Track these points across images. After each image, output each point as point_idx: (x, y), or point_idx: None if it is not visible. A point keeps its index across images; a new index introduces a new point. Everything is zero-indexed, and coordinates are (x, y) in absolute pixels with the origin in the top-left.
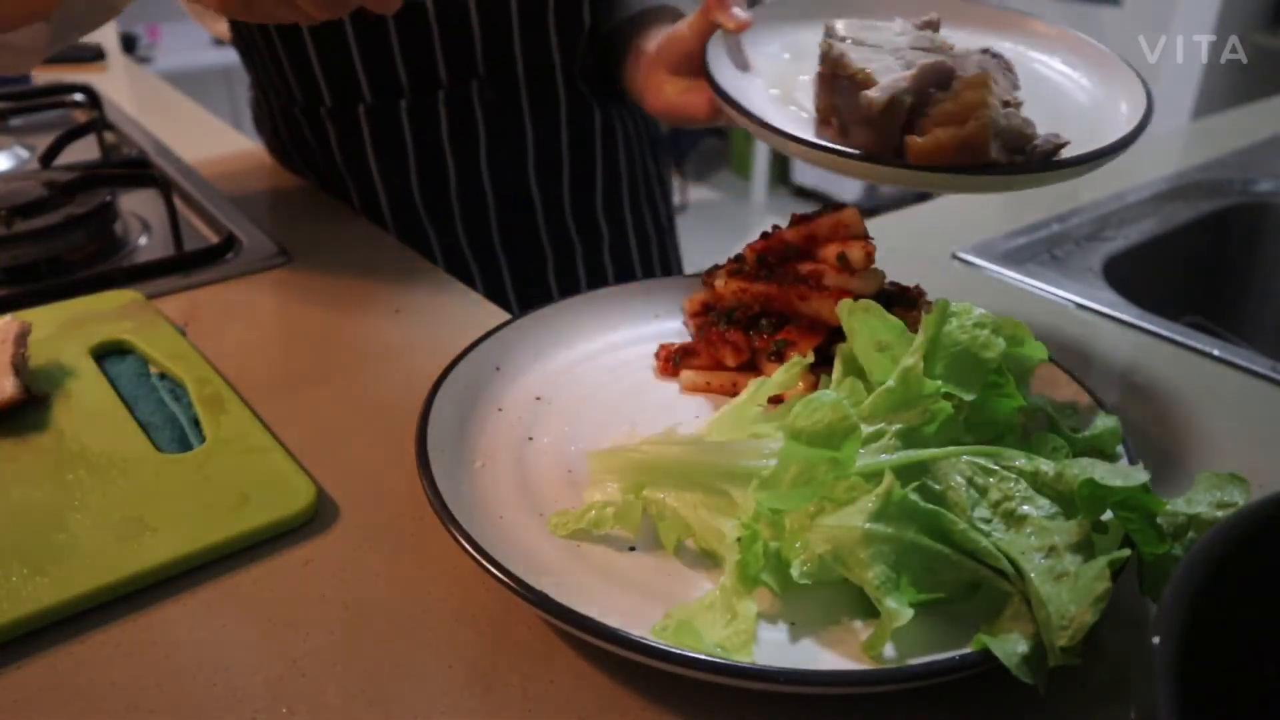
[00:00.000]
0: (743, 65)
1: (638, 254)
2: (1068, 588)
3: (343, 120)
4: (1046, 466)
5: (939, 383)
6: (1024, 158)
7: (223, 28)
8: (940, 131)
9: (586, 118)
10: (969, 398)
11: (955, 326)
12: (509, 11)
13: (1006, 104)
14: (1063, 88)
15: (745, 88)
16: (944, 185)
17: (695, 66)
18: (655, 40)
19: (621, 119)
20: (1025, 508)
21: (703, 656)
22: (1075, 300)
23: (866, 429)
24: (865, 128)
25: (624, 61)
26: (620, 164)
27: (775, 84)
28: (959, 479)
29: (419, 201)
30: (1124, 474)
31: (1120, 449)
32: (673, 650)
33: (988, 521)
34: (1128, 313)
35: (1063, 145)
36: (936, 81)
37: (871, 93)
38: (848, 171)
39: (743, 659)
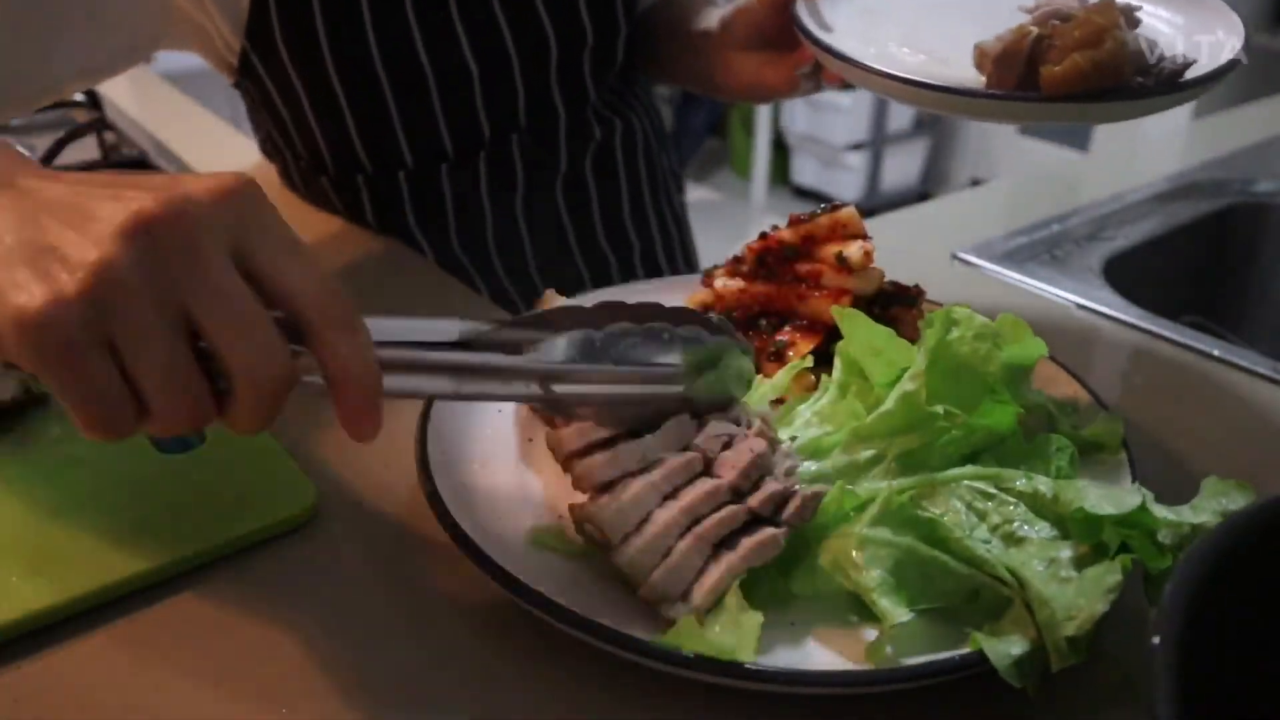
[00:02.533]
0: (826, 28)
1: (663, 255)
2: (1074, 586)
3: (381, 187)
4: (1045, 488)
5: (939, 408)
6: (1153, 80)
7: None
8: (1078, 55)
9: (610, 136)
10: (969, 417)
11: (956, 337)
12: (548, 62)
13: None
14: (1153, 25)
15: (845, 47)
16: (1079, 116)
17: (767, 39)
18: (712, 19)
19: (638, 116)
20: (1025, 529)
21: (703, 657)
22: (1075, 300)
23: (867, 452)
24: (987, 70)
25: (666, 46)
26: (640, 168)
27: (863, 44)
28: (958, 504)
29: (459, 253)
30: (1117, 499)
31: (1121, 447)
32: (672, 651)
33: (987, 542)
34: (1128, 313)
35: (1190, 64)
36: (1056, 14)
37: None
38: (974, 112)
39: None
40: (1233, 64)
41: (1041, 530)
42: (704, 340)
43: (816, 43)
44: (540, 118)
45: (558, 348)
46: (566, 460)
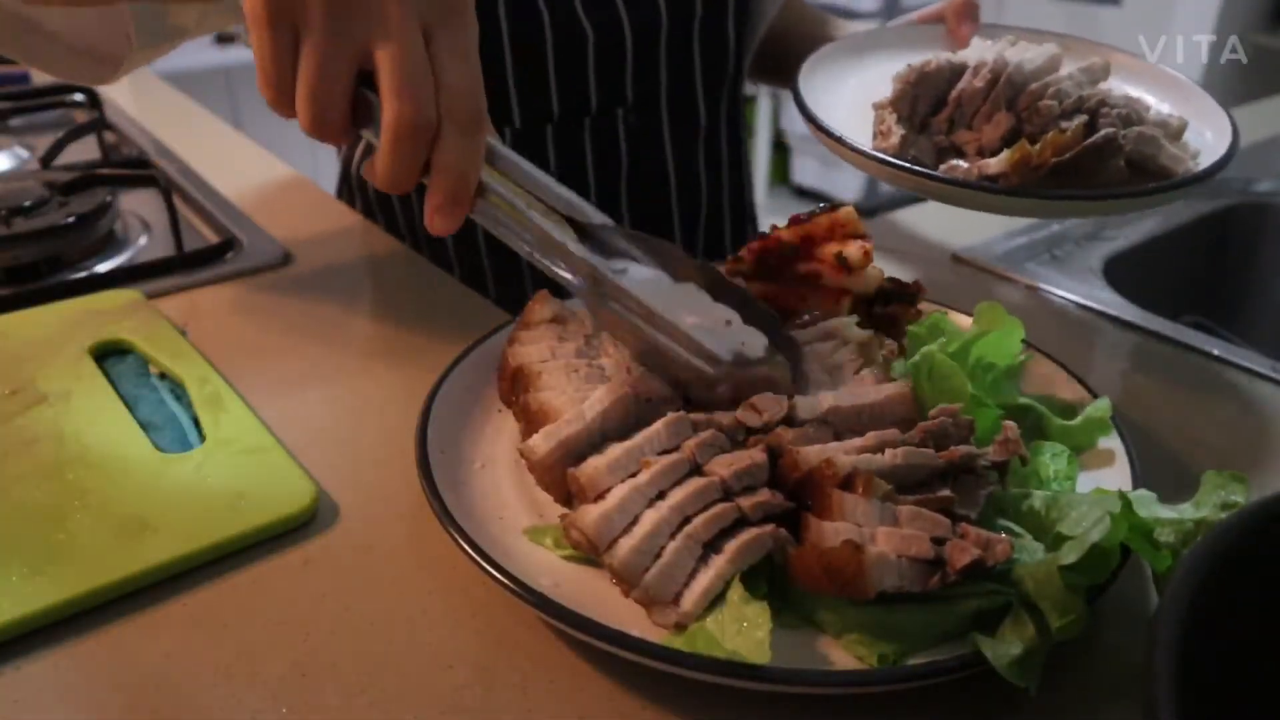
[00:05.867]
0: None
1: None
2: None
3: None
4: (1039, 504)
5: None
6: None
7: None
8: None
9: (716, 130)
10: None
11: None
12: (659, 36)
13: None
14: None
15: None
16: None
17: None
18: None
19: (743, 150)
20: (1019, 557)
21: (701, 657)
22: (1075, 300)
23: None
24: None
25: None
26: (745, 191)
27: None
28: None
29: None
30: (1091, 514)
31: (1112, 431)
32: (671, 650)
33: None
34: (1128, 313)
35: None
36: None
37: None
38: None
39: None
40: (1220, 165)
41: (1035, 552)
42: (755, 353)
43: (826, 132)
44: (645, 94)
45: (637, 272)
46: (547, 468)
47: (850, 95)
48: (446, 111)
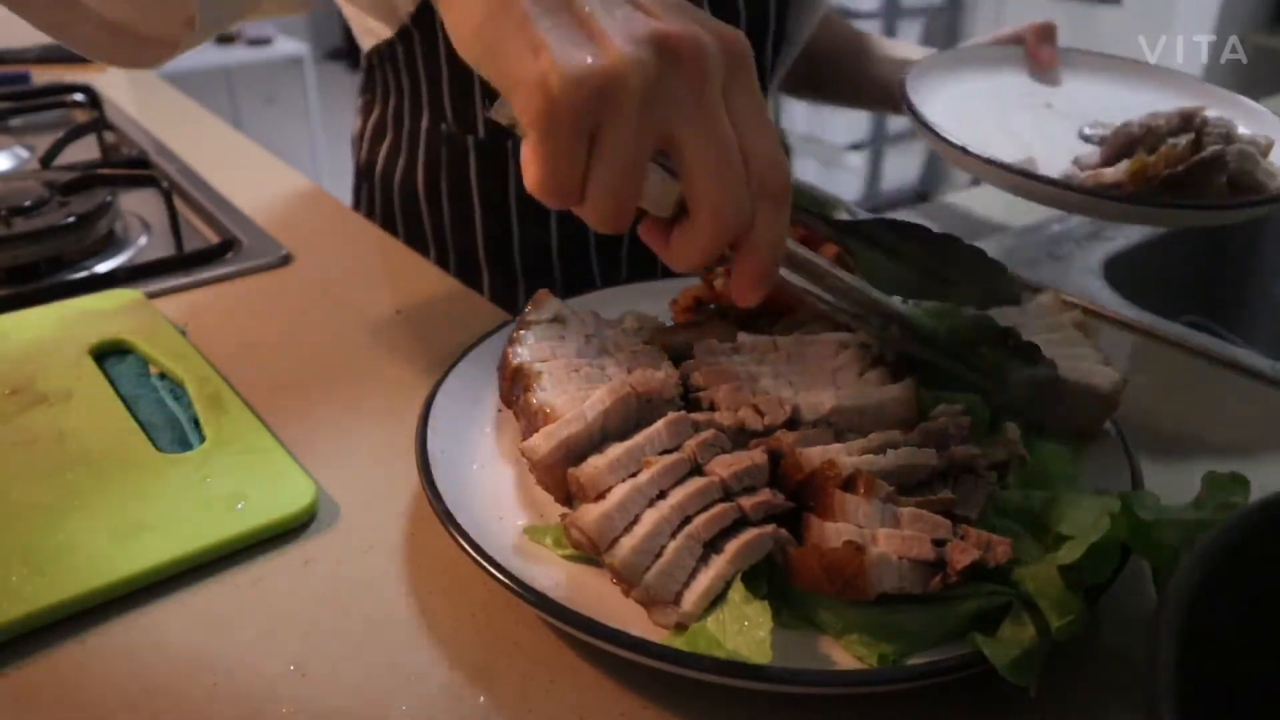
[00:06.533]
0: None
1: None
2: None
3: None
4: (1039, 504)
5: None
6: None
7: (377, 29)
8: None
9: None
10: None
11: None
12: None
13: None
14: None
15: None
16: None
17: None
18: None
19: None
20: (1019, 558)
21: (702, 657)
22: (1075, 300)
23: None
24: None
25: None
26: None
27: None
28: None
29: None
30: (1089, 517)
31: (1114, 435)
32: (671, 650)
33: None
34: (1128, 313)
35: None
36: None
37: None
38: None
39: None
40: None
41: (1036, 553)
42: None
43: (938, 135)
44: None
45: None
46: (548, 468)
47: (942, 108)
48: (760, 187)
